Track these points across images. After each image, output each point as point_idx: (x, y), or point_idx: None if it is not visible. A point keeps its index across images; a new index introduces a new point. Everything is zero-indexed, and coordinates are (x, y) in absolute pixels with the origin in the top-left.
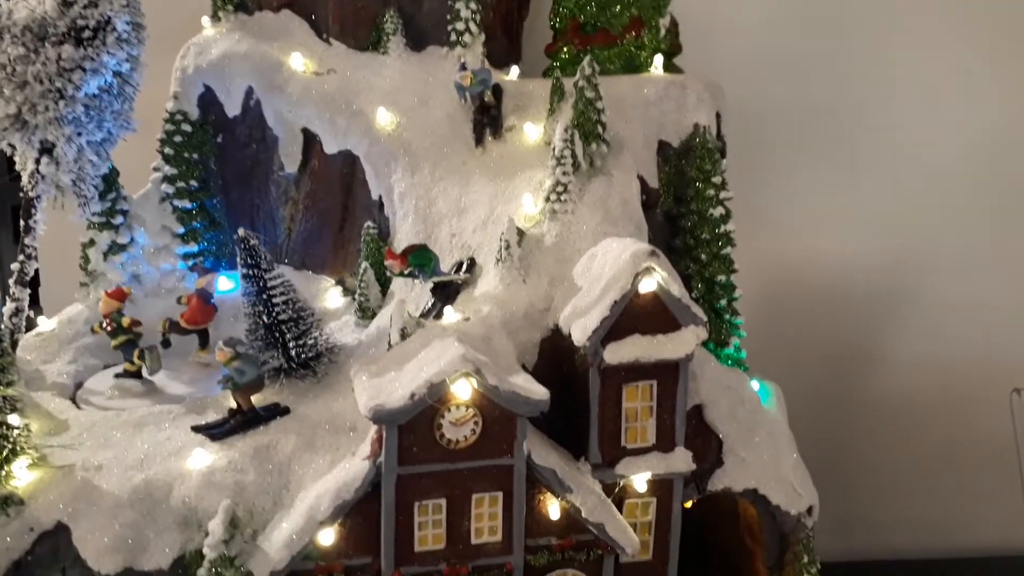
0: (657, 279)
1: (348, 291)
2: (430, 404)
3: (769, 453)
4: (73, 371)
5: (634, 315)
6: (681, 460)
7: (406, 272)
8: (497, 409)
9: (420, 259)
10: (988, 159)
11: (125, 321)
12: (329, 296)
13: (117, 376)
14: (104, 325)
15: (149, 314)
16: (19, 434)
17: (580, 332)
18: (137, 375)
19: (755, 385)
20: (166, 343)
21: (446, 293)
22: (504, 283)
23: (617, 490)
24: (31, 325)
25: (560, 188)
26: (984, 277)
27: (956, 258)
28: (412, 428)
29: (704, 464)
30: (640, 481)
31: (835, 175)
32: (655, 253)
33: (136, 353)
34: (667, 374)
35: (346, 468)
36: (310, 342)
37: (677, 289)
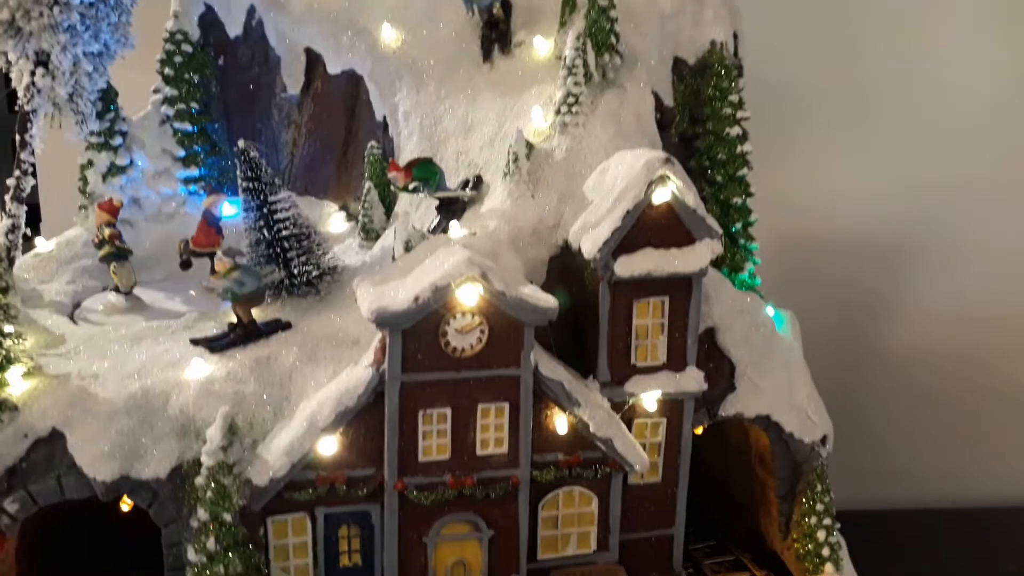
0: (672, 188)
1: (351, 216)
2: (435, 309)
3: (783, 380)
4: (71, 291)
5: (647, 227)
6: (692, 380)
7: (410, 187)
8: (503, 318)
9: (425, 172)
10: (1005, 110)
11: (107, 233)
12: (332, 221)
13: (104, 288)
14: (93, 237)
15: (149, 239)
16: (13, 342)
17: (590, 244)
18: (124, 290)
19: (770, 311)
20: (185, 264)
21: (452, 210)
22: (512, 198)
23: (626, 408)
24: (29, 246)
25: (571, 99)
26: (1001, 224)
27: (974, 206)
28: (416, 335)
29: (716, 389)
30: (650, 400)
31: (856, 126)
32: (670, 161)
33: (111, 268)
34: (679, 290)
35: (348, 376)
36: (312, 260)
37: (692, 200)
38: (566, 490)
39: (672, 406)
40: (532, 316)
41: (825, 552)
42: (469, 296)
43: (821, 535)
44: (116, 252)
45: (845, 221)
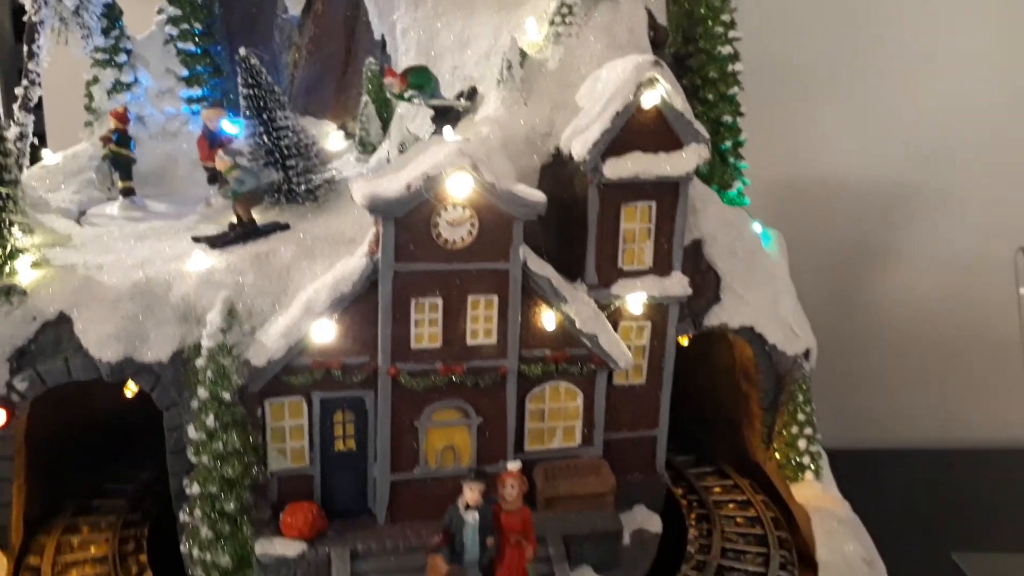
0: (660, 92)
1: (350, 135)
2: (426, 200)
3: (767, 293)
4: (77, 200)
5: (635, 131)
6: (677, 284)
7: (406, 94)
8: (494, 212)
9: (420, 79)
10: (1002, 59)
11: (102, 133)
12: (331, 139)
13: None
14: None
15: (152, 155)
16: (21, 232)
17: (580, 146)
18: (127, 192)
19: (757, 228)
20: (212, 178)
21: (446, 119)
22: (505, 105)
23: (612, 310)
24: (36, 158)
25: (565, 10)
26: (993, 171)
27: (967, 153)
28: (409, 225)
29: (702, 301)
30: (635, 302)
31: (854, 73)
32: (659, 64)
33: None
34: (666, 195)
35: (344, 265)
36: (311, 168)
37: (680, 103)
38: (552, 385)
39: (657, 310)
40: (521, 210)
41: (806, 460)
42: (460, 187)
43: (802, 444)
44: (115, 156)
45: (840, 167)
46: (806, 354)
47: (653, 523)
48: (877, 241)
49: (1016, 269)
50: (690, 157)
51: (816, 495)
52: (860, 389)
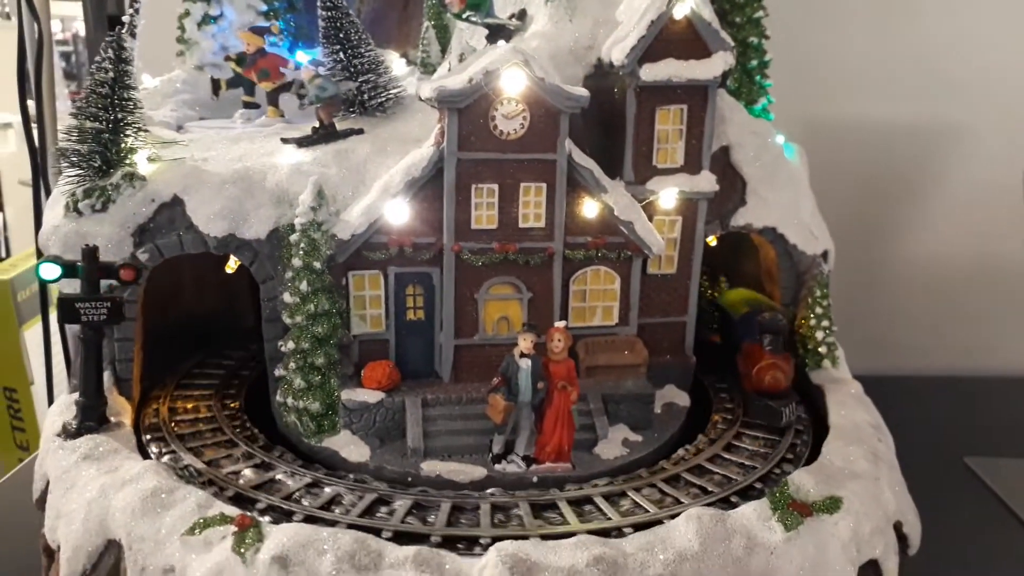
0: (690, 3)
1: (411, 62)
2: (485, 93)
3: (789, 197)
4: (175, 117)
5: (668, 40)
6: (705, 181)
7: (463, 14)
8: (543, 106)
9: (476, 0)
10: None
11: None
12: (394, 66)
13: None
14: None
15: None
16: (138, 130)
17: (619, 52)
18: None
19: (780, 140)
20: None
21: (499, 37)
22: (552, 21)
23: (646, 203)
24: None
25: None
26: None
27: (995, 88)
28: (470, 117)
29: (728, 204)
30: (668, 197)
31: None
32: None
33: None
34: (697, 100)
35: (415, 153)
36: (381, 83)
37: (708, 14)
38: (593, 268)
39: (688, 205)
40: (567, 103)
41: (823, 350)
42: (514, 81)
43: (820, 335)
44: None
45: (865, 103)
46: (824, 255)
47: (682, 398)
48: (897, 174)
49: None
50: (717, 63)
51: (831, 378)
52: (878, 319)
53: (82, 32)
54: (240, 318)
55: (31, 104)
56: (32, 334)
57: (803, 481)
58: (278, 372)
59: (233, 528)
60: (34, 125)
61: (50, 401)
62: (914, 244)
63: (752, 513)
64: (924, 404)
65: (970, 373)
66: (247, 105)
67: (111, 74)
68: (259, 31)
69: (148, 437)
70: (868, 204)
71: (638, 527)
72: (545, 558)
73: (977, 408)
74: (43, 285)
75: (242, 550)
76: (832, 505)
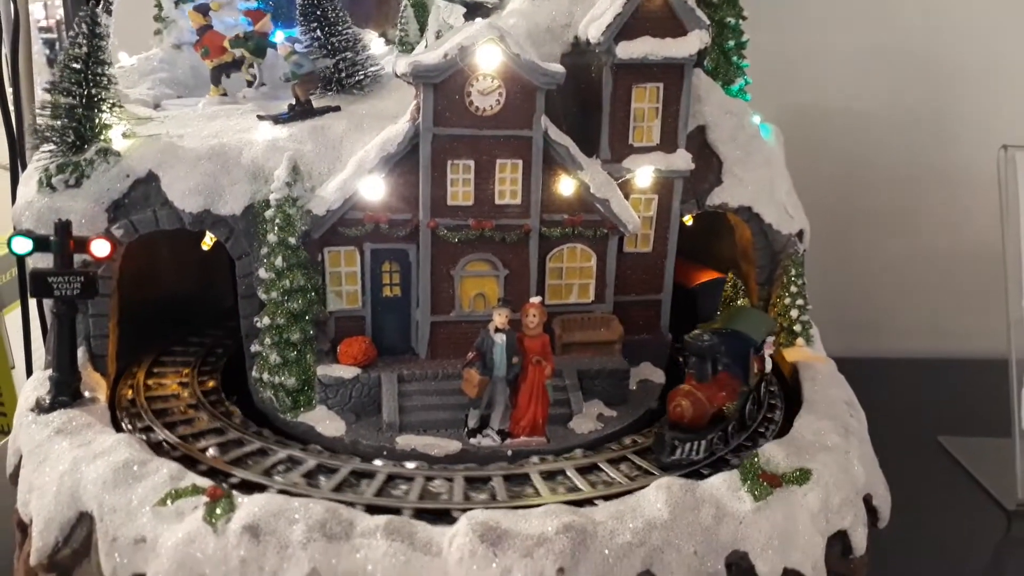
0: None
1: (390, 41)
2: (460, 68)
3: (764, 176)
4: (152, 95)
5: (644, 19)
6: (681, 160)
7: None
8: (519, 82)
9: None
10: None
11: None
12: (373, 45)
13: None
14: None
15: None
16: (112, 105)
17: (596, 30)
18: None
19: (756, 120)
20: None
21: (476, 15)
22: None
23: (622, 181)
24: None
25: None
26: (1001, 96)
27: (974, 77)
28: (445, 92)
29: (704, 184)
30: (644, 176)
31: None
32: None
33: None
34: (673, 78)
35: (390, 129)
36: (358, 60)
37: None
38: (570, 246)
39: (663, 184)
40: (543, 79)
41: (797, 328)
42: (489, 57)
43: (794, 313)
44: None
45: (843, 89)
46: (799, 235)
47: (657, 375)
48: (873, 160)
49: (998, 167)
50: (693, 41)
51: (805, 355)
52: (854, 303)
53: None
54: (219, 299)
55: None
56: (12, 318)
57: (773, 453)
58: (254, 348)
59: (205, 499)
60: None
61: None
62: (889, 229)
63: (722, 484)
64: (899, 385)
65: (945, 355)
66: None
67: (84, 49)
68: (202, 9)
69: (123, 412)
70: (844, 189)
71: (609, 499)
72: (516, 526)
73: (951, 390)
74: (22, 270)
75: (213, 520)
76: (802, 477)
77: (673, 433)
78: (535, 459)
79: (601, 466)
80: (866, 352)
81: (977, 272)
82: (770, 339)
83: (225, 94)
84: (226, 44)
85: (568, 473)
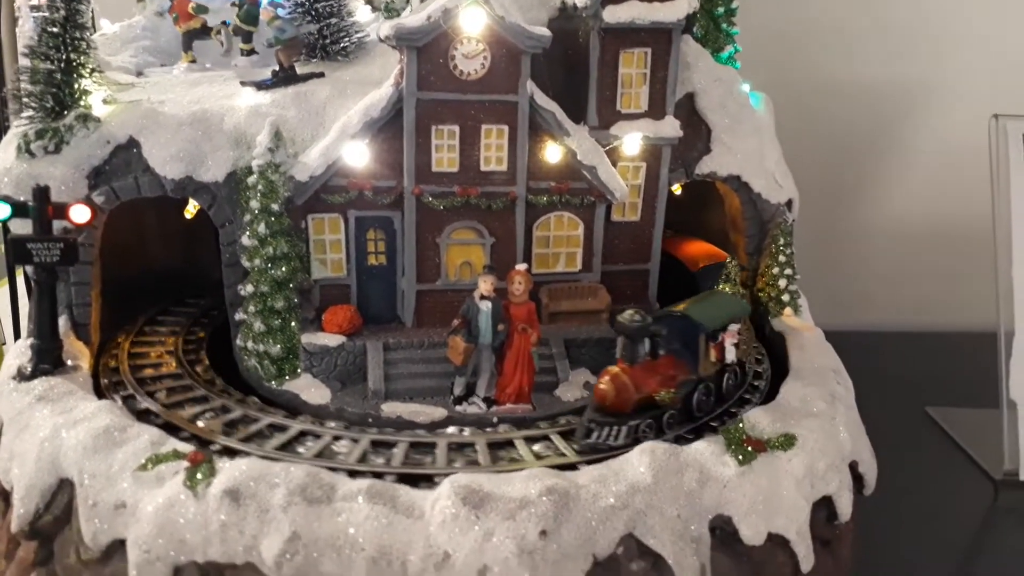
0: None
1: (376, 8)
2: (444, 31)
3: (754, 145)
4: (134, 63)
5: None
6: (670, 127)
7: None
8: (504, 46)
9: None
10: None
11: None
12: (359, 12)
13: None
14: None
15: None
16: (92, 71)
17: None
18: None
19: (746, 89)
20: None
21: None
22: None
23: (610, 148)
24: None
25: None
26: (984, 66)
27: (963, 46)
28: (429, 56)
29: (693, 152)
30: (632, 143)
31: None
32: None
33: None
34: (661, 42)
35: (374, 94)
36: (343, 26)
37: None
38: (556, 214)
39: (652, 152)
40: (528, 42)
41: (785, 298)
42: (473, 20)
43: (783, 283)
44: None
45: (833, 61)
46: (788, 204)
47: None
48: (863, 133)
49: (989, 136)
50: (681, 5)
51: (794, 324)
52: (842, 276)
53: None
54: (205, 273)
55: None
56: (0, 294)
57: (758, 419)
58: (238, 316)
59: (185, 464)
60: None
61: None
62: (879, 202)
63: (706, 448)
64: (886, 358)
65: (932, 328)
66: (245, 53)
67: (62, 12)
68: None
69: (106, 381)
70: (834, 162)
71: (593, 464)
72: (498, 489)
73: (938, 362)
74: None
75: (193, 485)
76: (786, 442)
77: (592, 415)
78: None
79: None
80: (852, 325)
81: (966, 245)
82: (733, 327)
83: (194, 61)
84: (191, 9)
85: (553, 439)
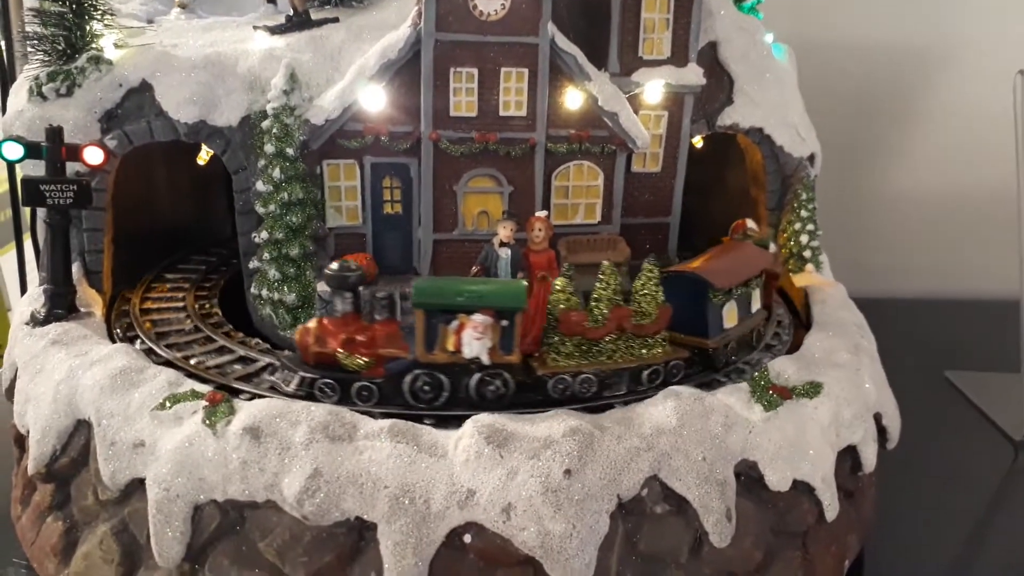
0: None
1: None
2: None
3: (777, 97)
4: (145, 11)
5: None
6: (693, 74)
7: None
8: None
9: None
10: None
11: None
12: None
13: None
14: None
15: None
16: (103, 14)
17: None
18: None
19: (769, 39)
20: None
21: None
22: None
23: (632, 94)
24: None
25: None
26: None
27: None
28: None
29: (715, 103)
30: (654, 90)
31: None
32: None
33: None
34: None
35: (391, 35)
36: None
37: None
38: (576, 163)
39: (674, 100)
40: None
41: (807, 254)
42: None
43: (804, 239)
44: None
45: (855, 21)
46: (811, 158)
47: None
48: (884, 97)
49: (1014, 92)
50: None
51: (815, 280)
52: (862, 242)
53: None
54: (215, 230)
55: None
56: (7, 259)
57: (784, 367)
58: (252, 264)
59: (204, 403)
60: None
61: None
62: (899, 164)
63: (731, 395)
64: (906, 324)
65: (951, 296)
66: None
67: None
68: None
69: (118, 328)
70: (854, 127)
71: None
72: (522, 429)
73: (959, 328)
74: (16, 209)
75: (213, 423)
76: (812, 390)
77: (282, 353)
78: None
79: None
80: (873, 292)
81: (989, 209)
82: (479, 317)
83: (184, 6)
84: None
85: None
